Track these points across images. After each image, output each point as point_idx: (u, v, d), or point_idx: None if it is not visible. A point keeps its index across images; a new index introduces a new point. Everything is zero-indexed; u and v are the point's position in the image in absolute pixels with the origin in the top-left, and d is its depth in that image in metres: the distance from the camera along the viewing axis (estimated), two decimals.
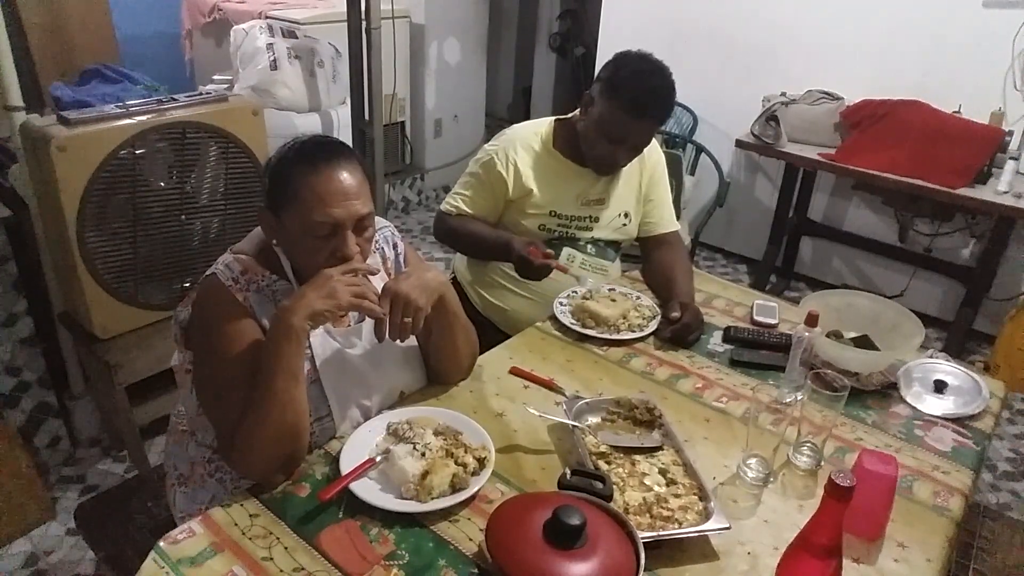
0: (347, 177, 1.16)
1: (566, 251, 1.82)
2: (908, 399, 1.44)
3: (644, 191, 1.89)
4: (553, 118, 1.86)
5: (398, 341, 1.22)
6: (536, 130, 1.83)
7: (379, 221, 1.42)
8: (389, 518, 1.07)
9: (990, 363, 2.94)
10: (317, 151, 1.17)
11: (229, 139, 2.06)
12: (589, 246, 1.85)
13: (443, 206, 1.86)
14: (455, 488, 1.10)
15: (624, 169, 1.81)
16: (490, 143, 1.86)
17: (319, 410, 1.24)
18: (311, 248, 1.16)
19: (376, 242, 1.39)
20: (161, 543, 1.02)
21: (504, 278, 1.84)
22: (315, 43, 3.44)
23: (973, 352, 3.19)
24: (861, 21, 3.19)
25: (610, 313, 1.61)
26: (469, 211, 1.82)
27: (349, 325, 1.32)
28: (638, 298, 1.72)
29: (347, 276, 1.14)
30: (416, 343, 1.39)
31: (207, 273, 1.22)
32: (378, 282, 1.30)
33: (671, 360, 1.55)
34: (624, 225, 1.88)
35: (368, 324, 1.29)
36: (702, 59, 3.65)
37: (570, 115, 1.83)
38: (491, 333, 1.75)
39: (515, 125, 1.87)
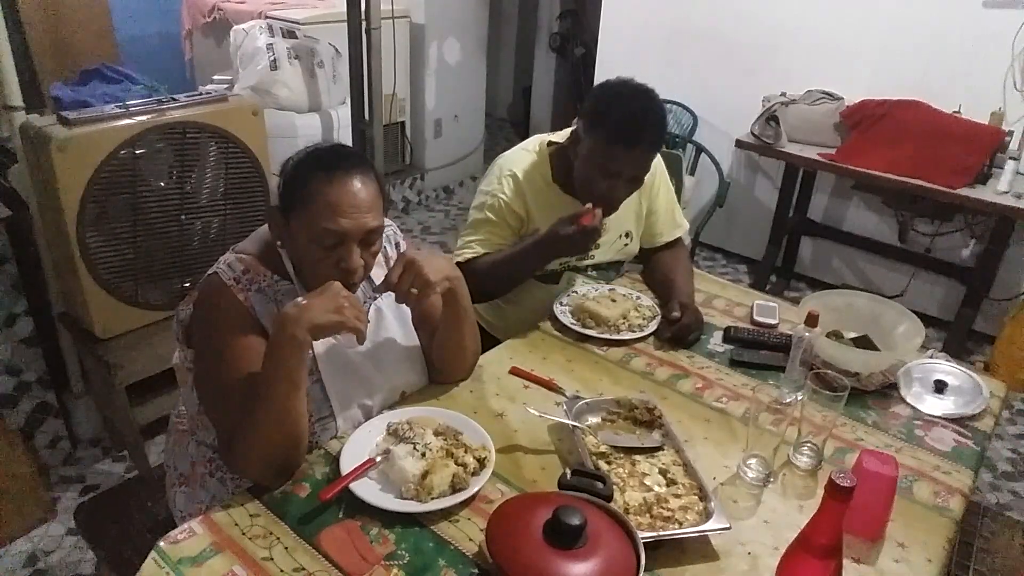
0: (361, 189, 1.15)
1: (566, 275, 1.78)
2: (908, 399, 1.44)
3: (645, 207, 1.83)
4: (546, 141, 1.75)
5: (394, 338, 1.23)
6: (532, 160, 1.71)
7: None
8: (389, 518, 1.07)
9: (990, 363, 2.94)
10: (336, 159, 1.17)
11: (229, 139, 2.06)
12: (590, 270, 1.82)
13: (460, 257, 1.68)
14: (455, 488, 1.10)
15: None
16: (486, 183, 1.73)
17: (320, 410, 1.24)
18: (315, 256, 1.16)
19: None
20: (161, 543, 1.02)
21: None
22: (315, 43, 3.43)
23: (973, 352, 3.19)
24: (861, 21, 3.19)
25: (610, 313, 1.61)
26: (489, 251, 1.67)
27: None
28: (638, 298, 1.72)
29: (351, 295, 1.13)
30: (418, 343, 1.39)
31: (209, 272, 1.22)
32: (380, 275, 1.32)
33: (671, 360, 1.55)
34: (626, 245, 1.84)
35: (370, 324, 1.30)
36: (702, 59, 3.66)
37: (561, 135, 1.72)
38: (490, 342, 1.71)
39: (504, 156, 1.75)
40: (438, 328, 1.35)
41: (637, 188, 1.65)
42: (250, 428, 1.09)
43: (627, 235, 1.83)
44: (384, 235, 1.41)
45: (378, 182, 1.21)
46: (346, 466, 1.13)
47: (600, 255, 1.81)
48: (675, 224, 1.90)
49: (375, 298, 1.34)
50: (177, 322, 1.25)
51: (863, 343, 1.51)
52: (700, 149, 3.53)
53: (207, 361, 1.19)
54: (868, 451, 1.14)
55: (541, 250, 1.60)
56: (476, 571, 1.00)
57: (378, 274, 1.33)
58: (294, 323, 1.07)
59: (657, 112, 1.56)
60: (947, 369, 1.51)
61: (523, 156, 1.73)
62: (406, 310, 1.37)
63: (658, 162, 1.83)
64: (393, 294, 1.26)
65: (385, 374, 1.32)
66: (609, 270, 1.87)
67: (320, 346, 1.23)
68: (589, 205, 1.51)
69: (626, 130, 1.51)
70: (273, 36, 3.34)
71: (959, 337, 3.09)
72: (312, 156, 1.18)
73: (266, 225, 1.27)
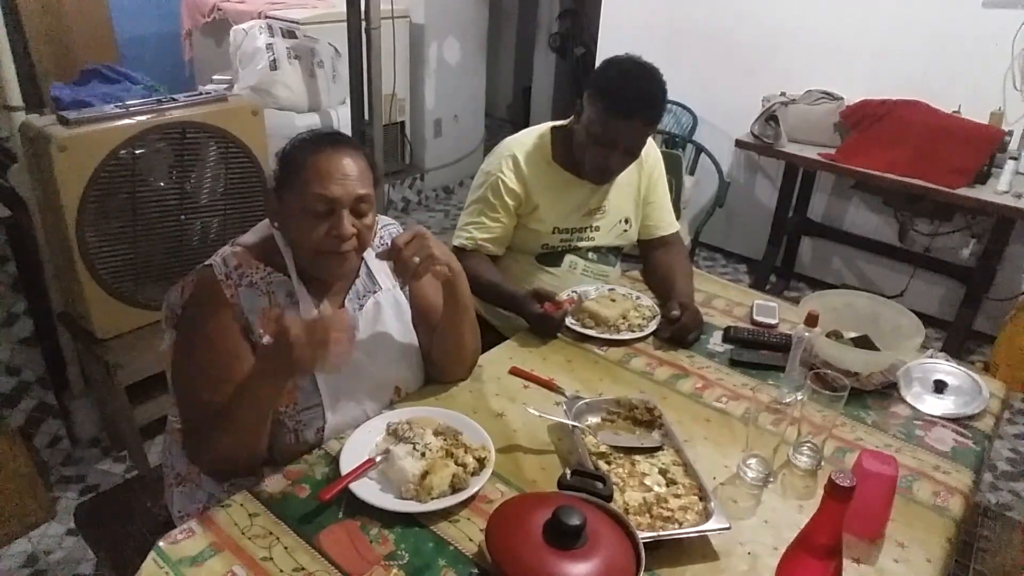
0: (349, 161, 1.20)
1: (568, 259, 1.81)
2: (908, 399, 1.44)
3: (643, 194, 1.87)
4: (550, 125, 1.82)
5: (389, 332, 1.26)
6: (534, 141, 1.77)
7: (384, 219, 1.43)
8: (389, 518, 1.07)
9: (990, 363, 2.94)
10: (326, 136, 1.23)
11: (229, 139, 2.06)
12: (591, 253, 1.85)
13: (456, 241, 1.76)
14: (455, 488, 1.10)
15: (622, 174, 1.80)
16: (488, 163, 1.79)
17: (310, 399, 1.24)
18: (308, 226, 1.18)
19: (381, 238, 1.40)
20: (161, 543, 1.02)
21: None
22: (315, 43, 3.44)
23: (973, 352, 3.19)
24: (861, 21, 3.19)
25: (610, 313, 1.61)
26: (487, 236, 1.74)
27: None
28: (638, 298, 1.72)
29: (310, 334, 1.06)
30: (415, 342, 1.39)
31: (205, 263, 1.23)
32: (380, 270, 1.36)
33: (671, 360, 1.55)
34: (625, 231, 1.87)
35: (365, 315, 1.32)
36: (702, 59, 3.66)
37: (566, 121, 1.79)
38: (492, 336, 1.73)
39: (508, 139, 1.80)
40: (438, 325, 1.36)
41: (630, 162, 1.71)
42: (214, 437, 1.14)
43: (626, 221, 1.87)
44: (388, 233, 1.42)
45: (368, 161, 1.25)
46: (346, 466, 1.13)
47: (600, 238, 1.85)
48: (670, 220, 1.93)
49: (375, 292, 1.35)
50: (167, 305, 1.26)
51: (863, 343, 1.51)
52: (700, 149, 3.53)
53: (184, 353, 1.22)
54: (868, 451, 1.14)
55: (512, 304, 1.66)
56: (476, 571, 1.00)
57: (376, 267, 1.36)
58: (284, 375, 1.11)
59: (657, 90, 1.62)
60: (947, 369, 1.51)
61: (526, 138, 1.79)
62: (406, 307, 1.38)
63: (658, 156, 1.90)
64: (391, 290, 1.30)
65: (378, 366, 1.32)
66: (609, 254, 1.89)
67: None
68: (561, 299, 1.59)
69: (626, 103, 1.58)
70: (273, 36, 3.34)
71: (959, 337, 3.09)
72: (304, 137, 1.24)
73: (267, 219, 1.29)
